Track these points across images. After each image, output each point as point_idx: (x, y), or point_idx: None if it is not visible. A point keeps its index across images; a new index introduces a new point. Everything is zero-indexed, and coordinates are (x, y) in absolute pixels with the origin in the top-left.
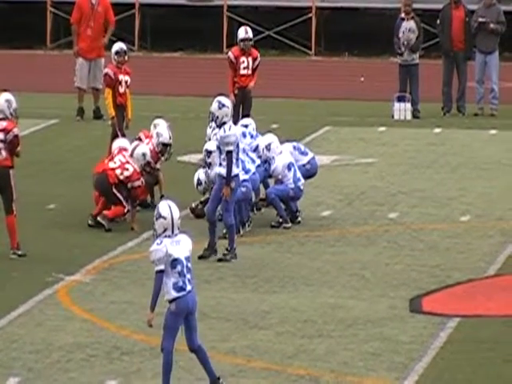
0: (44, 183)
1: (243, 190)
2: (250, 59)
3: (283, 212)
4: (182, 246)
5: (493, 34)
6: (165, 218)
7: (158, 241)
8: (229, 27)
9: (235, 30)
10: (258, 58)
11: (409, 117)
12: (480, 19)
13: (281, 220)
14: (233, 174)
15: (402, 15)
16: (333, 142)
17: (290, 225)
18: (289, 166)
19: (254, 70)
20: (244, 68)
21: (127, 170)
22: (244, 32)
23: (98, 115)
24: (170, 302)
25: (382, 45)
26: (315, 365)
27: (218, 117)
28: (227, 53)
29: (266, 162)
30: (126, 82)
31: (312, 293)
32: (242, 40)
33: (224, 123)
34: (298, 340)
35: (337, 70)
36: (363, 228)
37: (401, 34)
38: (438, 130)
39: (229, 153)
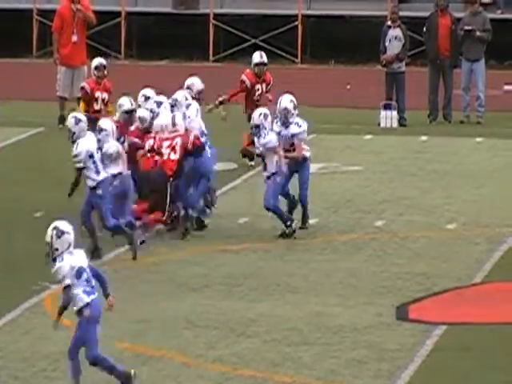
0: (30, 191)
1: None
2: (263, 85)
3: (285, 217)
4: (78, 256)
5: (479, 42)
6: (69, 233)
7: (59, 258)
8: (215, 35)
9: (221, 38)
10: (271, 83)
11: (395, 124)
12: (466, 27)
13: (287, 227)
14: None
15: (389, 23)
16: (319, 150)
17: (295, 222)
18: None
19: (266, 92)
20: (258, 95)
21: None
22: (259, 56)
23: None
24: (81, 309)
25: (368, 53)
26: (301, 372)
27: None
28: (213, 61)
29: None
30: (104, 100)
31: (298, 301)
32: (257, 64)
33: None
34: (284, 348)
35: (323, 77)
36: (350, 236)
37: (387, 42)
38: (424, 138)
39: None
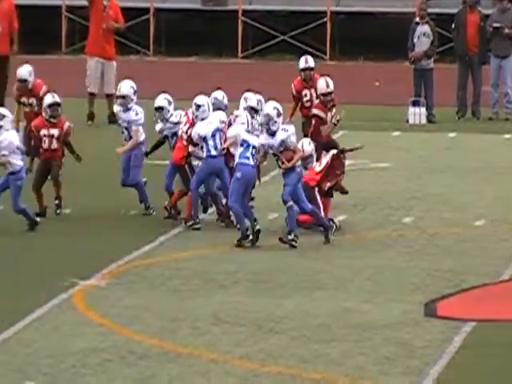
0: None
1: None
2: (312, 91)
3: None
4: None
5: (507, 39)
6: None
7: None
8: (244, 32)
9: (250, 35)
10: None
11: (424, 121)
12: (494, 24)
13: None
14: None
15: (417, 19)
16: (347, 147)
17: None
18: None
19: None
20: (307, 101)
21: None
22: (304, 61)
23: (112, 120)
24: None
25: (396, 49)
26: (330, 369)
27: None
28: (242, 57)
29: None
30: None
31: (327, 297)
32: (303, 70)
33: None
34: (312, 344)
35: (352, 74)
36: (378, 232)
37: (416, 39)
38: (452, 135)
39: None
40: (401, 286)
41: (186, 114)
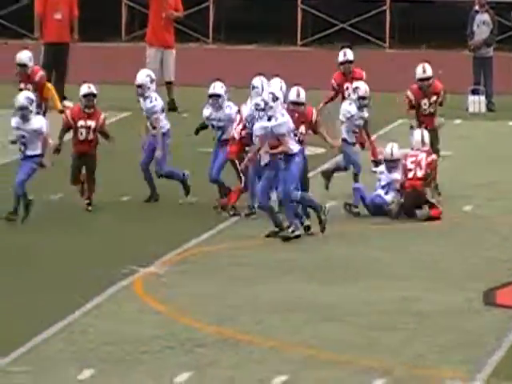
0: (118, 176)
1: None
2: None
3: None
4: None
5: None
6: None
7: None
8: (303, 19)
9: (309, 23)
10: (363, 77)
11: (483, 109)
12: None
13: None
14: None
15: (476, 8)
16: (407, 135)
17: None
18: None
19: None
20: (349, 95)
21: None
22: (342, 55)
23: (172, 107)
24: None
25: (455, 37)
26: (388, 357)
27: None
28: (301, 45)
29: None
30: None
31: (385, 285)
32: (341, 63)
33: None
34: (370, 332)
35: (411, 62)
36: (438, 220)
37: (475, 27)
38: None
39: None
40: (460, 274)
41: (239, 111)
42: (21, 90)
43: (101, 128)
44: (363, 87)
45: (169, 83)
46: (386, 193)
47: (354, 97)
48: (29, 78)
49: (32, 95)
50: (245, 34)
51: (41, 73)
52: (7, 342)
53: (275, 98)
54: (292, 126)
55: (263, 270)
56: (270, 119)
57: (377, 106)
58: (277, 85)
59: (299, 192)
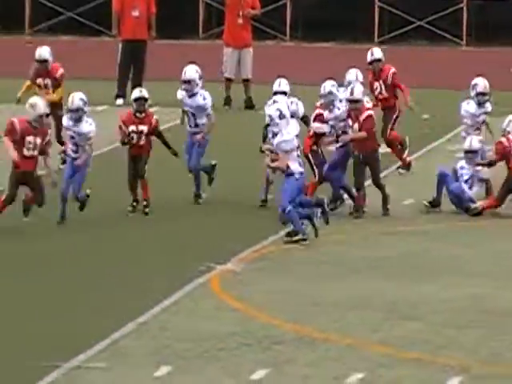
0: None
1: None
2: (381, 82)
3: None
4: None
5: None
6: None
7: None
8: (380, 17)
9: (386, 20)
10: (390, 75)
11: None
12: None
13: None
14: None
15: None
16: (487, 133)
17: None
18: None
19: (393, 86)
20: (378, 93)
21: None
22: (370, 54)
23: (249, 105)
24: None
25: None
26: (464, 355)
27: None
28: (378, 43)
29: None
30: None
31: (462, 283)
32: (370, 63)
33: None
34: (448, 330)
35: (489, 60)
36: (505, 218)
37: None
38: None
39: None
40: None
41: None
42: (39, 85)
43: (154, 131)
44: (482, 83)
45: (246, 81)
46: (470, 187)
47: (472, 93)
48: (48, 74)
49: (85, 96)
50: (322, 32)
51: (61, 70)
52: (85, 338)
53: (282, 116)
54: (297, 143)
55: (341, 267)
56: (275, 135)
57: (452, 104)
58: (284, 103)
59: (290, 206)
